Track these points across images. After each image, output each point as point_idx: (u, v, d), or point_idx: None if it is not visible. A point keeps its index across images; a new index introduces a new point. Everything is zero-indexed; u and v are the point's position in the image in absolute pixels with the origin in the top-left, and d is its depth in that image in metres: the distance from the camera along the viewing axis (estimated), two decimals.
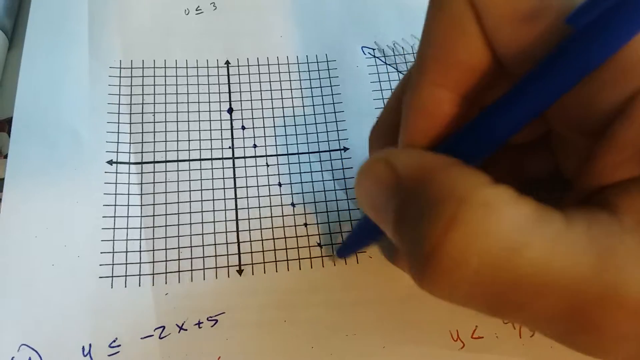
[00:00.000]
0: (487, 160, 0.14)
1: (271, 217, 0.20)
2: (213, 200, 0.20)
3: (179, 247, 0.19)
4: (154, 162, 0.20)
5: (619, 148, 0.12)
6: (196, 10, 0.23)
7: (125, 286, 0.18)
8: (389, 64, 0.23)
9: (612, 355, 0.12)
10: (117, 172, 0.20)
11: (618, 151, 0.12)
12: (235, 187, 0.20)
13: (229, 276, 0.19)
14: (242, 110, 0.22)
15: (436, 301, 0.19)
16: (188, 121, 0.21)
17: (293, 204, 0.20)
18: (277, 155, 0.21)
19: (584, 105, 0.12)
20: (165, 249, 0.19)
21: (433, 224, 0.12)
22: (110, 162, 0.20)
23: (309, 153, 0.21)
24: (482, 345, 0.18)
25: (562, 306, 0.12)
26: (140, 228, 0.19)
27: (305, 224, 0.20)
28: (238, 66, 0.23)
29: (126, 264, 0.19)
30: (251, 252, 0.19)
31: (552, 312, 0.12)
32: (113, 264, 0.18)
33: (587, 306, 0.11)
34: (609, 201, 0.12)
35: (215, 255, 0.19)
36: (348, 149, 0.22)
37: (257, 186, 0.20)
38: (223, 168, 0.21)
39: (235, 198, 0.20)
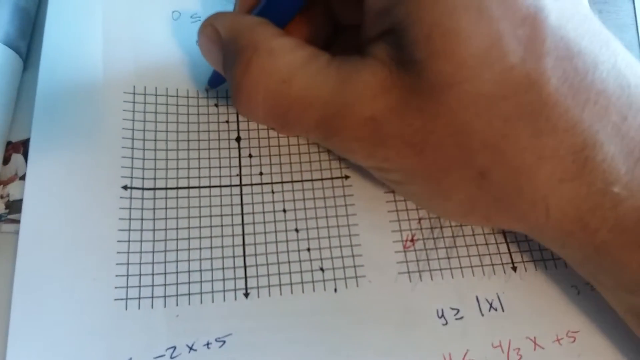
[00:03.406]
0: (306, 15, 0.20)
1: (276, 242, 0.21)
2: (222, 226, 0.21)
3: (189, 271, 0.20)
4: (166, 188, 0.21)
5: (366, 12, 0.17)
6: None
7: (139, 308, 0.19)
8: None
9: (354, 152, 0.18)
10: (131, 198, 0.21)
11: (367, 14, 0.17)
12: (242, 213, 0.21)
13: (236, 299, 0.20)
14: (249, 139, 0.23)
15: (430, 327, 0.20)
16: (199, 149, 0.22)
17: (297, 230, 0.21)
18: (282, 182, 0.22)
19: None
20: (177, 272, 0.20)
21: (237, 67, 0.17)
22: (125, 187, 0.21)
23: (312, 180, 0.22)
24: None
25: (317, 117, 0.17)
26: (153, 252, 0.20)
27: (309, 249, 0.21)
28: None
29: (139, 286, 0.20)
30: (257, 276, 0.20)
31: (314, 123, 0.17)
32: (127, 287, 0.20)
33: (331, 116, 0.17)
34: (366, 50, 0.17)
35: (224, 279, 0.20)
36: (349, 177, 0.23)
37: (263, 212, 0.22)
38: (231, 195, 0.22)
39: (243, 224, 0.21)
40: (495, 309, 0.21)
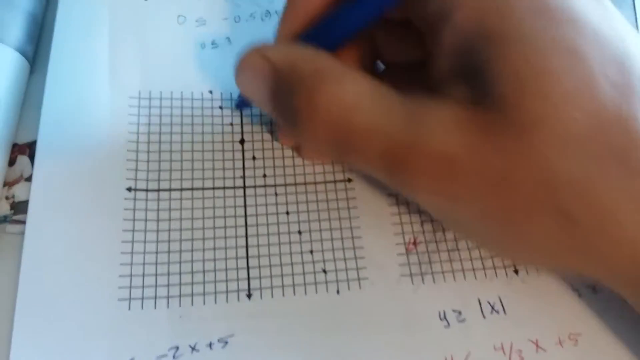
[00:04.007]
0: (351, 49, 0.20)
1: (279, 243, 0.21)
2: (225, 227, 0.21)
3: (192, 272, 0.20)
4: (170, 189, 0.22)
5: (441, 50, 0.17)
6: (212, 44, 0.25)
7: (142, 308, 0.19)
8: None
9: (420, 189, 0.17)
10: (135, 199, 0.21)
11: (441, 52, 0.17)
12: (245, 215, 0.22)
13: (238, 300, 0.20)
14: (253, 141, 0.23)
15: (432, 329, 0.20)
16: (202, 151, 0.22)
17: (300, 232, 0.22)
18: (285, 185, 0.22)
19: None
20: (180, 273, 0.20)
21: (300, 94, 0.17)
22: (129, 189, 0.21)
23: (315, 183, 0.23)
24: None
25: (383, 148, 0.16)
26: (157, 253, 0.20)
27: (311, 251, 0.21)
28: None
29: (143, 287, 0.20)
30: (260, 277, 0.21)
31: (378, 152, 0.17)
32: (131, 287, 0.20)
33: (398, 148, 0.16)
34: (440, 87, 0.17)
35: (226, 280, 0.20)
36: (352, 180, 0.23)
37: (266, 214, 0.22)
38: (235, 197, 0.22)
39: (246, 225, 0.21)
40: (497, 312, 0.21)
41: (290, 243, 0.21)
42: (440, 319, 0.21)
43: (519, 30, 0.15)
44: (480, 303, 0.21)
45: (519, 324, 0.21)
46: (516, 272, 0.22)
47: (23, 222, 0.21)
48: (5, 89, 0.22)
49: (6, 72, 0.22)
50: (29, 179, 0.22)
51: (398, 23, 0.20)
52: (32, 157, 0.22)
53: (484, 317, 0.21)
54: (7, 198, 0.22)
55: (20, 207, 0.21)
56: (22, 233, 0.20)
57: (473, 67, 0.16)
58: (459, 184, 0.16)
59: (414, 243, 0.22)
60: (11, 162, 0.22)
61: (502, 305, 0.21)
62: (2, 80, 0.22)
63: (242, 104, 0.23)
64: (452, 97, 0.16)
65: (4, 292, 0.19)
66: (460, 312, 0.21)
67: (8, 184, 0.22)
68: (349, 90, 0.17)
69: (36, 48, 0.25)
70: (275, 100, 0.19)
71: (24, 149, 0.23)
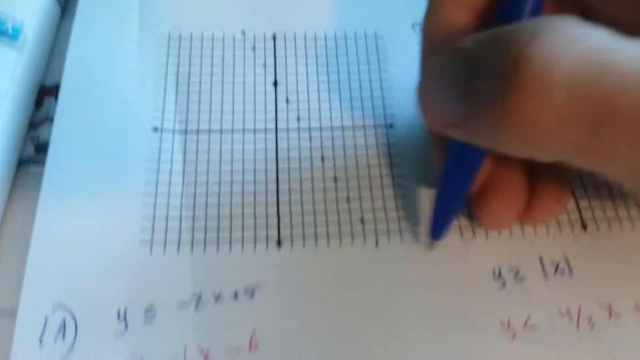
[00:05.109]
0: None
1: (312, 190, 0.19)
2: (254, 170, 0.20)
3: (218, 216, 0.19)
4: (198, 130, 0.20)
5: None
6: None
7: (164, 252, 0.18)
8: None
9: None
10: (161, 139, 0.20)
11: None
12: (277, 159, 0.20)
13: (267, 248, 0.18)
14: (287, 83, 0.21)
15: (485, 289, 0.18)
16: (233, 92, 0.21)
17: (335, 178, 0.20)
18: (320, 128, 0.20)
19: None
20: (205, 217, 0.19)
21: (513, 41, 0.11)
22: (155, 129, 0.20)
23: (353, 127, 0.21)
24: (535, 337, 0.17)
25: None
26: (182, 195, 0.19)
27: (348, 199, 0.19)
28: (285, 39, 0.22)
29: (166, 229, 0.18)
30: (291, 225, 0.19)
31: None
32: (153, 229, 0.18)
33: None
34: None
35: (255, 227, 0.19)
36: (394, 125, 0.21)
37: (299, 158, 0.20)
38: (265, 139, 0.20)
39: (277, 170, 0.20)
40: (563, 272, 0.18)
41: (324, 190, 0.19)
42: (495, 278, 0.18)
43: None
44: (542, 262, 0.18)
45: (588, 286, 0.18)
46: (584, 227, 0.19)
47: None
48: (34, 30, 0.21)
49: (36, 13, 0.22)
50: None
51: None
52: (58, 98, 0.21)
53: (546, 277, 0.18)
54: (31, 140, 0.21)
55: (44, 148, 0.20)
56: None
57: None
58: None
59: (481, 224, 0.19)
60: (38, 104, 0.21)
61: (568, 265, 0.18)
62: (32, 21, 0.21)
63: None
64: None
65: (26, 236, 0.18)
66: (518, 272, 0.18)
67: (33, 126, 0.21)
68: (594, 31, 0.11)
69: None
70: (467, 87, 0.13)
71: (51, 91, 0.22)
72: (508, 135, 0.12)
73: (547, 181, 0.17)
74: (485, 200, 0.17)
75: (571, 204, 0.19)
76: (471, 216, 0.19)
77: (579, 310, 0.17)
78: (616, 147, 0.10)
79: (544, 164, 0.13)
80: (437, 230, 0.18)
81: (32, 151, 0.21)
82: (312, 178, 0.20)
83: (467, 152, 0.16)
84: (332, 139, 0.20)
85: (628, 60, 0.10)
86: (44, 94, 0.22)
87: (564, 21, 0.11)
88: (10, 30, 0.21)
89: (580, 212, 0.19)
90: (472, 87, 0.13)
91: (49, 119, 0.21)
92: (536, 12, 0.14)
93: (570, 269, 0.18)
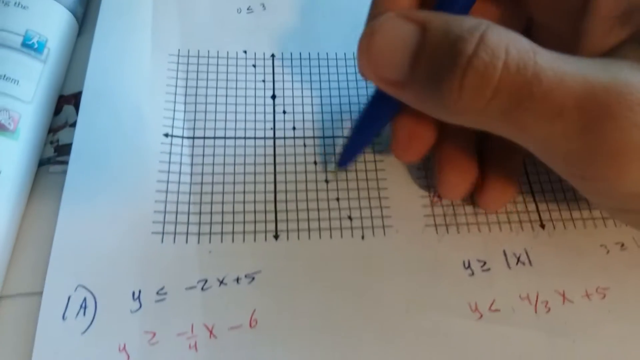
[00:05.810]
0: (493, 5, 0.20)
1: (306, 190, 0.22)
2: (254, 173, 0.22)
3: (222, 212, 0.21)
4: (204, 137, 0.23)
5: (602, 18, 0.16)
6: (247, 9, 0.26)
7: (174, 242, 0.20)
8: None
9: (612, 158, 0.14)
10: (171, 144, 0.22)
11: (603, 22, 0.16)
12: (275, 163, 0.22)
13: (266, 240, 0.21)
14: (284, 97, 0.24)
15: (456, 276, 0.20)
16: (235, 104, 0.24)
17: (326, 181, 0.22)
18: (314, 137, 0.23)
19: None
20: (211, 212, 0.21)
21: (464, 45, 0.14)
22: (166, 135, 0.22)
23: (343, 137, 0.23)
24: (498, 317, 0.20)
25: (575, 98, 0.14)
26: (190, 193, 0.21)
27: (337, 199, 0.22)
28: (282, 59, 0.25)
29: (176, 223, 0.21)
30: (287, 220, 0.21)
31: (572, 102, 0.14)
32: (164, 222, 0.20)
33: (596, 103, 0.14)
34: (614, 51, 0.15)
35: (255, 221, 0.21)
36: (380, 134, 0.23)
37: (295, 163, 0.22)
38: (264, 146, 0.23)
39: (275, 173, 0.22)
40: (523, 263, 0.21)
41: (317, 190, 0.22)
42: (465, 267, 0.21)
43: None
44: (505, 254, 0.21)
45: (545, 275, 0.21)
46: (542, 226, 0.22)
47: (65, 163, 0.22)
48: (56, 44, 0.24)
49: (58, 29, 0.24)
50: (73, 124, 0.23)
51: None
52: (76, 106, 0.23)
53: (509, 267, 0.21)
54: (51, 142, 0.23)
55: (63, 150, 0.22)
56: (64, 172, 0.21)
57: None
58: None
59: (439, 196, 0.22)
60: (57, 111, 0.24)
61: (528, 257, 0.21)
62: (55, 36, 0.24)
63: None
64: (631, 58, 0.15)
65: (46, 228, 0.20)
66: (484, 262, 0.21)
67: (53, 130, 0.23)
68: (525, 41, 0.14)
69: (85, 11, 0.26)
70: (418, 66, 0.16)
71: (70, 99, 0.24)
72: (453, 105, 0.15)
73: (497, 172, 0.21)
74: (441, 174, 0.21)
75: (531, 206, 0.22)
76: (445, 217, 0.22)
77: (537, 296, 0.20)
78: (529, 118, 0.14)
79: (493, 150, 0.18)
80: (345, 160, 0.22)
81: (52, 152, 0.23)
82: (306, 180, 0.22)
83: (384, 103, 0.19)
84: (324, 146, 0.23)
85: (542, 62, 0.14)
86: (63, 102, 0.24)
87: (496, 28, 0.15)
88: (36, 45, 0.23)
89: (539, 214, 0.22)
90: (428, 59, 0.15)
91: (68, 124, 0.23)
92: (467, 8, 0.17)
93: (530, 261, 0.21)
